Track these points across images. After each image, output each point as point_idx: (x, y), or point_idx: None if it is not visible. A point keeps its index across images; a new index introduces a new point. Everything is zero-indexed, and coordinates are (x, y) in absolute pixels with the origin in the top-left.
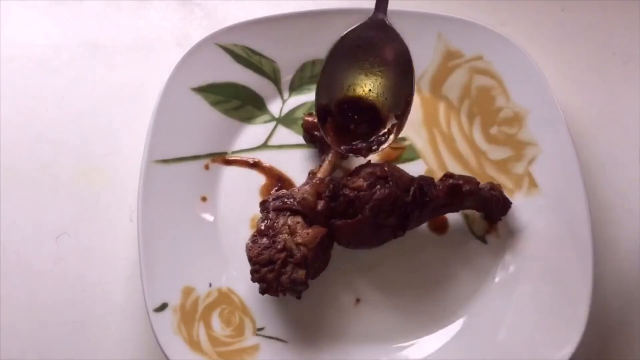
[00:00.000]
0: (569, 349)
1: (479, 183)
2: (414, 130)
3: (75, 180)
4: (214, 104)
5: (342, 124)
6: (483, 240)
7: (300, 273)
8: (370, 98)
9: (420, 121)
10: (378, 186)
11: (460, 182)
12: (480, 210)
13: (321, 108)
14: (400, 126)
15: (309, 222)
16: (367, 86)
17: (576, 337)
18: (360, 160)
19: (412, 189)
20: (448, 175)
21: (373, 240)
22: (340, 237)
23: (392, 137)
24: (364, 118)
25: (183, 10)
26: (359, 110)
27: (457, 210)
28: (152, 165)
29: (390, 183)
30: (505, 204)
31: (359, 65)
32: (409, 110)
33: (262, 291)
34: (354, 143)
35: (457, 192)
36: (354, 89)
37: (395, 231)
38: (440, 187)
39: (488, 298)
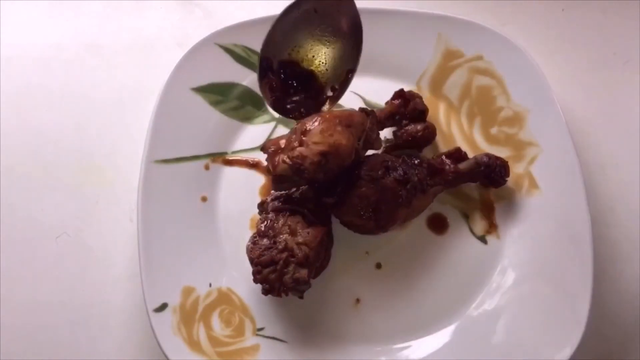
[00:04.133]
0: (569, 349)
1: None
2: None
3: (75, 180)
4: (214, 104)
5: (280, 84)
6: (483, 240)
7: (303, 272)
8: (311, 65)
9: None
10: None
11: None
12: (481, 176)
13: (264, 61)
14: (335, 99)
15: (309, 221)
16: (311, 53)
17: (576, 337)
18: None
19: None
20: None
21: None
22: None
23: (325, 107)
24: (303, 84)
25: (183, 10)
26: (299, 75)
27: (454, 185)
28: (152, 165)
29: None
30: (502, 162)
31: (310, 30)
32: (347, 84)
33: (265, 292)
34: (288, 106)
35: (456, 156)
36: (297, 52)
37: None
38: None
39: (488, 298)
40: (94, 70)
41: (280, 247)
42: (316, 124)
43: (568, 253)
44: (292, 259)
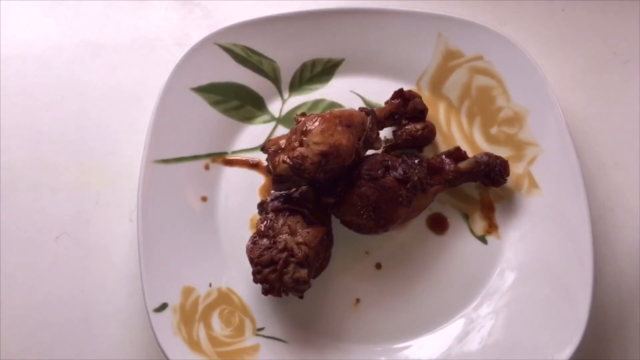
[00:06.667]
0: (569, 349)
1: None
2: None
3: (75, 180)
4: (214, 104)
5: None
6: (483, 240)
7: (302, 272)
8: None
9: None
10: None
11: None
12: (481, 176)
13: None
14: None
15: (309, 221)
16: None
17: (576, 338)
18: None
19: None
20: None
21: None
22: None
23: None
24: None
25: (183, 10)
26: None
27: (454, 184)
28: (152, 165)
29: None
30: (502, 162)
31: None
32: None
33: (265, 292)
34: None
35: (456, 155)
36: None
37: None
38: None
39: (488, 298)
40: (94, 70)
41: (280, 247)
42: (316, 123)
43: (568, 253)
44: (292, 259)
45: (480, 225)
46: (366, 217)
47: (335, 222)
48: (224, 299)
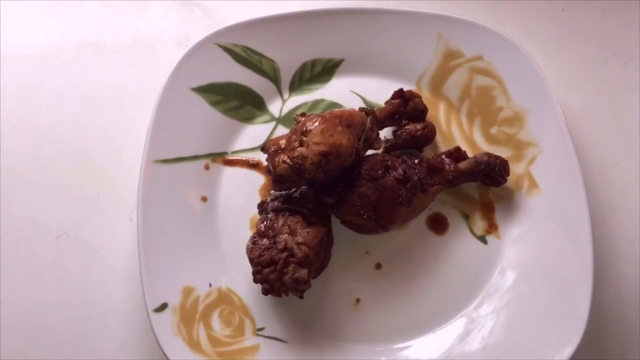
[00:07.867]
0: (569, 349)
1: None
2: None
3: (75, 180)
4: (214, 104)
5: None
6: (483, 240)
7: (302, 272)
8: None
9: None
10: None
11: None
12: (481, 176)
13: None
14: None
15: (309, 221)
16: None
17: (576, 337)
18: None
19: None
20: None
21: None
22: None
23: None
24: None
25: (183, 10)
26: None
27: (454, 184)
28: (152, 165)
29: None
30: (502, 162)
31: None
32: None
33: (265, 292)
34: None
35: (456, 155)
36: None
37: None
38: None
39: (488, 298)
40: (94, 70)
41: (280, 247)
42: (316, 124)
43: (568, 253)
44: (292, 259)
45: (480, 225)
46: (366, 217)
47: (335, 222)
48: (224, 299)
